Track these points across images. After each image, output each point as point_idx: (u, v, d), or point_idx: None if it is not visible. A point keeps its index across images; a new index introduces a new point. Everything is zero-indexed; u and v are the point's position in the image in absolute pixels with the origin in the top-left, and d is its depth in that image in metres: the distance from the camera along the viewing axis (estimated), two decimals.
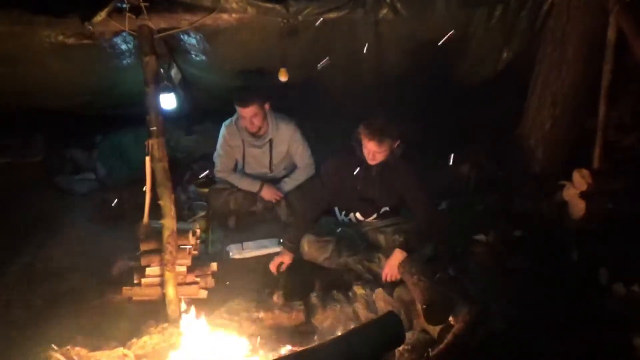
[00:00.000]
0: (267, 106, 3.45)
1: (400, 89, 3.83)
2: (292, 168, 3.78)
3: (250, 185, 3.65)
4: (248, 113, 3.38)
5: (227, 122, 3.64)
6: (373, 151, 2.88)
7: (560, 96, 3.24)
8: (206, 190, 3.89)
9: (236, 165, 3.81)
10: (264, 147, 3.61)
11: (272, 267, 3.03)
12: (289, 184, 3.68)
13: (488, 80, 3.69)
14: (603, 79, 2.92)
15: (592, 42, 3.04)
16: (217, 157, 3.72)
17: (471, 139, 3.71)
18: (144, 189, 2.65)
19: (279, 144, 3.61)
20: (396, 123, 2.89)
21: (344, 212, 3.26)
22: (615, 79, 2.92)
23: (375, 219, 3.21)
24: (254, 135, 3.54)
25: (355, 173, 3.03)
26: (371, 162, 2.95)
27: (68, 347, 2.26)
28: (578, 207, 3.02)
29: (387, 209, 3.19)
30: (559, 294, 2.57)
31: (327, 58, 3.09)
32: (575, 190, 3.05)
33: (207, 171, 4.02)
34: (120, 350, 2.31)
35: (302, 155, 3.68)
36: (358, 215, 3.21)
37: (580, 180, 3.01)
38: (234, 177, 3.72)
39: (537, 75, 3.33)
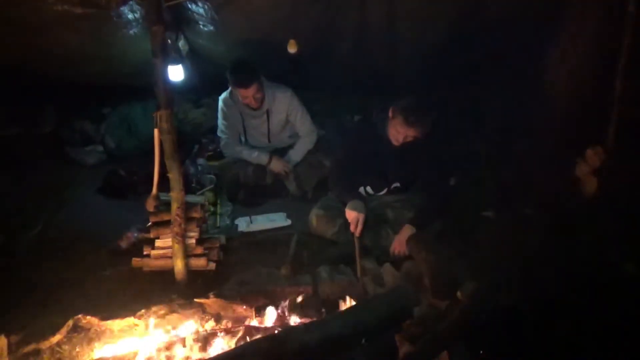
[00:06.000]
0: (262, 77, 3.43)
1: (410, 61, 3.76)
2: (296, 137, 3.76)
3: (259, 158, 3.64)
4: (250, 92, 3.37)
5: (222, 95, 3.62)
6: (406, 135, 2.84)
7: (577, 70, 3.16)
8: (216, 163, 3.89)
9: (240, 138, 3.79)
10: (261, 117, 3.59)
11: (352, 228, 2.87)
12: (296, 155, 3.68)
13: (503, 53, 3.60)
14: (621, 53, 2.83)
15: (611, 14, 2.94)
16: (220, 133, 3.71)
17: (484, 113, 3.65)
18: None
19: (277, 113, 3.59)
20: (430, 109, 2.84)
21: None
22: (634, 54, 2.83)
23: (385, 194, 3.19)
24: (252, 107, 3.52)
25: (374, 148, 3.00)
26: (398, 143, 2.90)
27: (79, 315, 2.30)
28: (591, 184, 2.97)
29: (398, 184, 3.17)
30: (568, 271, 2.55)
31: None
32: (588, 167, 3.00)
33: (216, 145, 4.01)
34: (131, 320, 2.34)
35: (302, 122, 3.65)
36: (369, 189, 3.19)
37: (593, 157, 2.96)
38: (241, 150, 3.70)
39: (554, 49, 3.24)
